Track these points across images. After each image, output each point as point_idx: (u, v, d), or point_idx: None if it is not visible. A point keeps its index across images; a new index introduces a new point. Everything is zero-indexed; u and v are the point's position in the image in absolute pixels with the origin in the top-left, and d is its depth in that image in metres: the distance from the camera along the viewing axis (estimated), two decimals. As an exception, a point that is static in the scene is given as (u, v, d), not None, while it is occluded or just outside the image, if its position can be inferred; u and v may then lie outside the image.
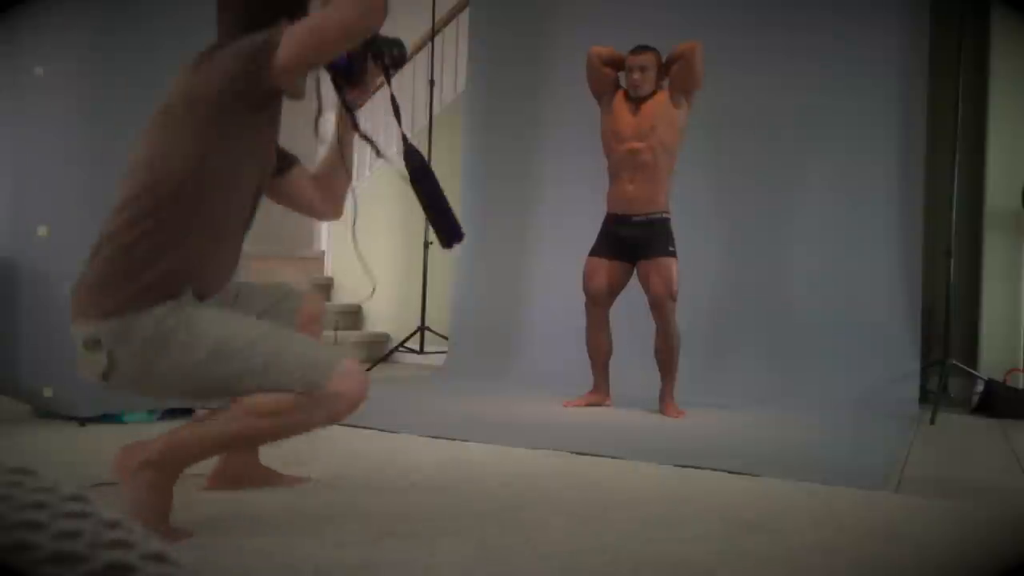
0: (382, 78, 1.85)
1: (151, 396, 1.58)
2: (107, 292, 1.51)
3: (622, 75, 3.67)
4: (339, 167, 1.93)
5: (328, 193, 1.94)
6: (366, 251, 3.23)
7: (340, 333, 5.39)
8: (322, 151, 1.92)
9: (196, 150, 1.55)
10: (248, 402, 1.54)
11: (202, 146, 1.55)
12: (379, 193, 5.88)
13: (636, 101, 3.60)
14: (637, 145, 3.55)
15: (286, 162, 1.87)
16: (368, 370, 4.67)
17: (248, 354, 1.53)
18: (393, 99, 1.88)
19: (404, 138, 1.90)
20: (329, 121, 1.91)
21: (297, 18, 1.65)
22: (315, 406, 1.56)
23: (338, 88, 1.84)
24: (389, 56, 1.86)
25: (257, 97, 1.57)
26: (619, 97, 3.65)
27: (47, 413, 2.78)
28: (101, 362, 1.52)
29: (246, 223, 1.71)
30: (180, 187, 1.54)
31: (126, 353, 1.51)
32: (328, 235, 6.24)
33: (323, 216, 1.99)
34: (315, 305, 1.94)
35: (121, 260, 1.52)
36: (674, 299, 3.52)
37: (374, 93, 1.89)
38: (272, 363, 1.53)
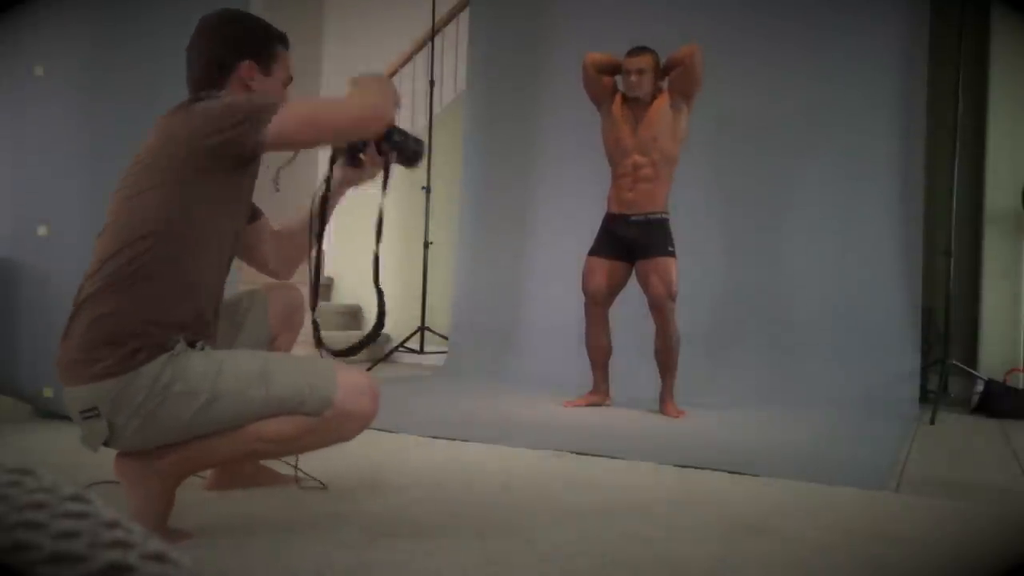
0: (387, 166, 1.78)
1: (157, 445, 1.55)
2: (96, 356, 1.47)
3: (619, 79, 3.66)
4: (305, 234, 1.90)
5: (287, 253, 1.92)
6: (365, 251, 3.23)
7: (341, 333, 5.39)
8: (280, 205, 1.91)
9: (173, 205, 1.52)
10: (260, 428, 1.52)
11: (179, 201, 1.52)
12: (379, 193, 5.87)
13: (636, 108, 3.59)
14: (640, 160, 3.55)
15: (251, 215, 1.84)
16: (368, 370, 4.67)
17: (247, 391, 1.51)
18: (381, 213, 1.81)
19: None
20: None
21: (262, 62, 1.67)
22: (325, 429, 1.55)
23: (333, 161, 1.79)
24: (404, 151, 1.78)
25: (240, 158, 1.55)
26: (618, 102, 3.64)
27: (47, 413, 2.78)
28: (102, 431, 1.49)
29: (226, 268, 1.69)
30: (158, 242, 1.51)
31: (125, 416, 1.48)
32: (328, 234, 6.24)
33: (273, 274, 1.93)
34: (288, 297, 1.91)
35: (105, 322, 1.48)
36: (673, 299, 3.52)
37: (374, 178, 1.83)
38: (272, 395, 1.51)
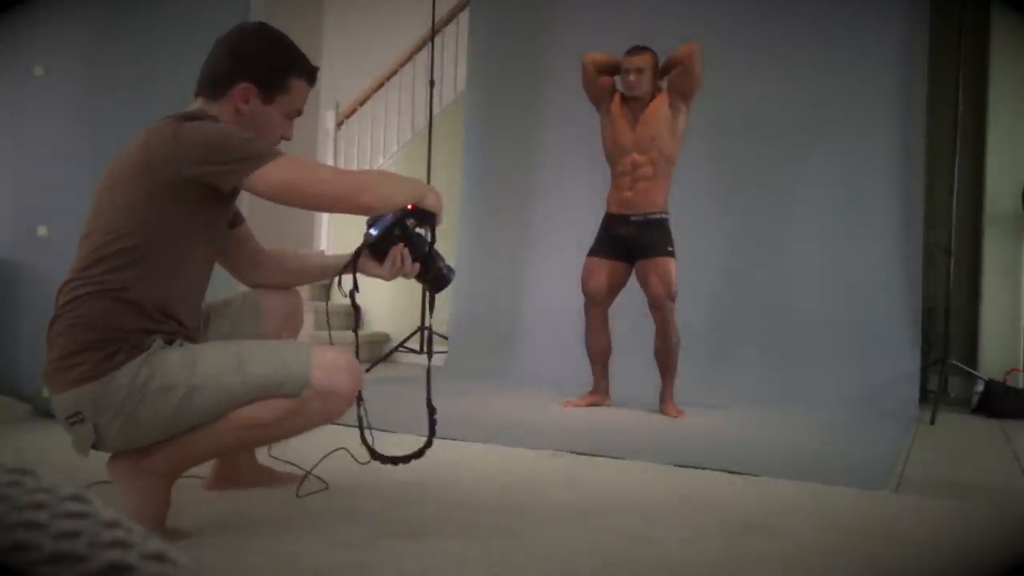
0: (407, 268, 1.71)
1: (144, 444, 1.55)
2: (75, 362, 1.48)
3: (618, 79, 3.65)
4: (311, 278, 1.92)
5: (282, 279, 1.89)
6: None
7: (341, 333, 5.38)
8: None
9: (151, 218, 1.51)
10: (241, 415, 1.52)
11: (158, 215, 1.52)
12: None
13: (635, 108, 3.59)
14: (639, 159, 3.55)
15: (232, 220, 1.81)
16: (367, 371, 4.66)
17: (223, 379, 1.50)
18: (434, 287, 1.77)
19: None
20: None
21: (265, 88, 1.64)
22: (306, 410, 1.54)
23: (359, 251, 1.73)
24: (429, 270, 1.71)
25: (217, 192, 1.54)
26: (617, 102, 3.63)
27: (47, 413, 2.78)
28: (89, 435, 1.50)
29: (207, 274, 1.68)
30: (135, 253, 1.50)
31: (108, 418, 1.48)
32: (328, 234, 6.24)
33: (248, 283, 1.91)
34: (287, 299, 1.90)
35: (82, 329, 1.48)
36: (673, 299, 3.52)
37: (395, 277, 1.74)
38: (249, 380, 1.51)
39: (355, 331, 1.78)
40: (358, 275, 1.75)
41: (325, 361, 1.55)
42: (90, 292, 1.50)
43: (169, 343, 1.55)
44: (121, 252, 1.50)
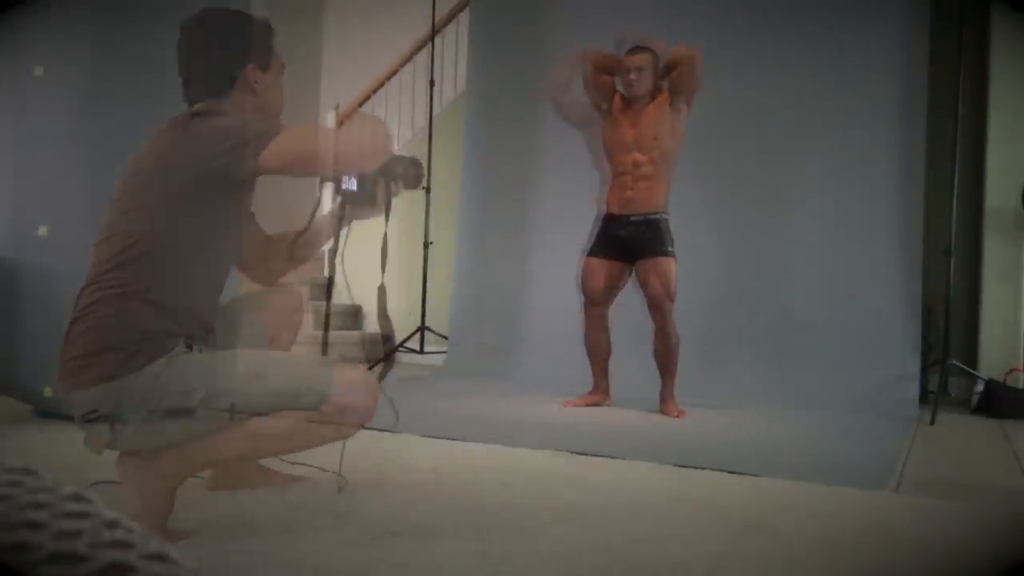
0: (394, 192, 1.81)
1: (159, 446, 1.55)
2: (96, 361, 1.49)
3: (619, 79, 3.65)
4: (302, 248, 1.93)
5: (273, 261, 1.91)
6: (366, 251, 3.22)
7: (340, 333, 5.38)
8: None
9: (169, 221, 1.53)
10: (256, 425, 1.53)
11: (176, 218, 1.53)
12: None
13: (636, 107, 3.59)
14: (640, 158, 3.55)
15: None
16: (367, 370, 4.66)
17: (243, 388, 1.51)
18: (385, 239, 1.85)
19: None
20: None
21: (261, 61, 1.67)
22: (322, 424, 1.55)
23: (343, 200, 1.80)
24: (404, 178, 1.82)
25: (234, 182, 1.56)
26: (617, 102, 3.64)
27: (47, 413, 2.78)
28: (104, 433, 1.51)
29: (224, 275, 1.70)
30: (155, 256, 1.52)
31: (126, 417, 1.49)
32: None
33: (253, 278, 1.94)
34: (287, 298, 1.91)
35: (104, 330, 1.49)
36: (672, 299, 3.52)
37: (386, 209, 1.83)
38: (268, 391, 1.52)
39: (327, 298, 1.85)
40: (357, 229, 1.83)
41: (345, 378, 1.58)
42: (113, 294, 1.51)
43: (189, 346, 1.56)
44: (143, 256, 1.52)
